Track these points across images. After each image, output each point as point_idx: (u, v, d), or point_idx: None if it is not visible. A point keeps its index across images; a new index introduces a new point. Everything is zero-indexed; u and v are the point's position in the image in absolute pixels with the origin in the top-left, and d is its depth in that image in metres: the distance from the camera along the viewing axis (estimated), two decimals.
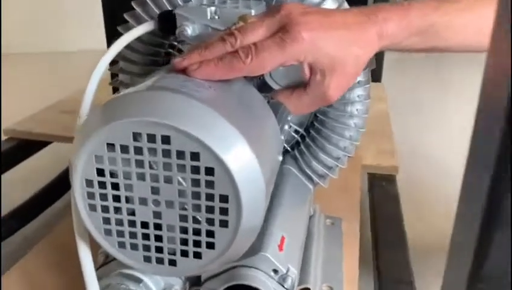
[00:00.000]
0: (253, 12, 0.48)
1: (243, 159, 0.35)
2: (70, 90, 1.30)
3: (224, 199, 0.35)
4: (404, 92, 1.73)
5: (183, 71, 0.40)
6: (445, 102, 1.82)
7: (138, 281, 0.44)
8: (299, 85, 0.44)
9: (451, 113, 1.72)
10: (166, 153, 0.35)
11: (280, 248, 0.48)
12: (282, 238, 0.49)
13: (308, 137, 0.63)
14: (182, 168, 0.35)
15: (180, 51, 0.61)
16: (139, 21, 0.58)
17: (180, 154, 0.35)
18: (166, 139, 0.34)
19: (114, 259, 0.48)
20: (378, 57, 1.48)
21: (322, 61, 0.41)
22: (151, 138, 0.34)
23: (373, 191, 0.80)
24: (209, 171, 0.35)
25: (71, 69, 2.15)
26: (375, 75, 1.38)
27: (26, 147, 1.02)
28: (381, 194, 0.78)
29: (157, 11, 0.56)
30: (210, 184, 0.35)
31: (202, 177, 0.35)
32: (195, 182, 0.35)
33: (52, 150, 1.12)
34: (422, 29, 0.44)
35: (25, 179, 1.07)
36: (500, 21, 0.18)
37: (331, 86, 0.42)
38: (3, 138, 1.00)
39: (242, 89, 0.42)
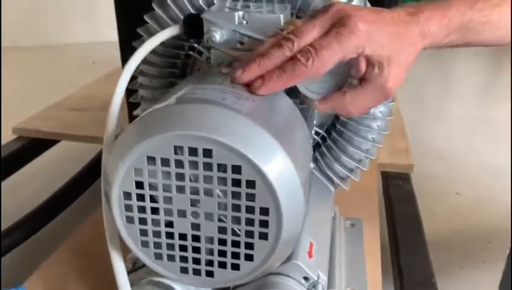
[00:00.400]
0: (282, 16, 0.47)
1: (283, 172, 0.35)
2: (72, 84, 1.29)
3: (264, 211, 0.35)
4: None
5: (247, 85, 0.39)
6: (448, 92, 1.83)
7: (169, 289, 0.44)
8: (342, 86, 0.44)
9: (453, 104, 1.73)
10: (208, 166, 0.34)
11: (309, 254, 0.48)
12: (311, 245, 0.49)
13: (329, 139, 0.63)
14: (222, 181, 0.35)
15: (200, 53, 0.61)
16: (159, 23, 0.57)
17: (221, 167, 0.34)
18: (208, 153, 0.34)
19: (142, 266, 0.48)
20: None
21: (379, 53, 0.41)
22: (193, 152, 0.34)
23: (389, 190, 0.80)
24: (251, 184, 0.34)
25: (71, 62, 2.13)
26: None
27: (34, 146, 1.02)
28: (398, 194, 0.78)
29: (179, 14, 0.55)
30: (251, 197, 0.35)
31: (243, 190, 0.35)
32: (236, 195, 0.35)
33: (59, 149, 1.12)
34: (460, 26, 0.44)
35: (36, 178, 1.06)
36: None
37: (390, 78, 0.42)
38: (13, 136, 0.99)
39: (277, 97, 0.42)
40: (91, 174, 0.89)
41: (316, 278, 0.46)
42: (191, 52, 0.61)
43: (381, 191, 0.85)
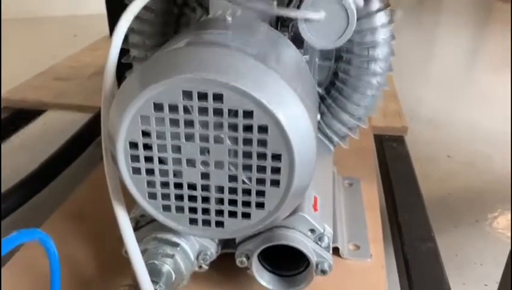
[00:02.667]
0: None
1: (296, 117, 0.34)
2: (55, 56, 1.25)
3: (277, 157, 0.34)
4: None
5: None
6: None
7: (175, 245, 0.44)
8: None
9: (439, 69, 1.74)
10: (218, 112, 0.33)
11: (315, 208, 0.48)
12: (315, 199, 0.49)
13: (328, 97, 0.62)
14: (233, 127, 0.34)
15: (194, 9, 0.59)
16: None
17: (232, 113, 0.33)
18: (218, 97, 0.33)
19: (145, 224, 0.47)
20: None
21: None
22: (203, 96, 0.33)
23: (384, 153, 0.81)
24: (263, 129, 0.33)
25: (52, 35, 2.07)
26: None
27: (20, 116, 0.99)
28: (393, 155, 0.78)
29: None
30: (263, 143, 0.34)
31: (255, 136, 0.34)
32: (247, 141, 0.34)
33: (45, 119, 1.09)
34: None
35: (25, 147, 1.04)
36: None
37: None
38: None
39: (285, 45, 0.41)
40: (81, 142, 0.87)
41: (322, 231, 0.46)
42: (185, 9, 0.59)
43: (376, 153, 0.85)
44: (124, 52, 0.62)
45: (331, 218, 0.51)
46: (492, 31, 2.42)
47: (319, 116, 0.44)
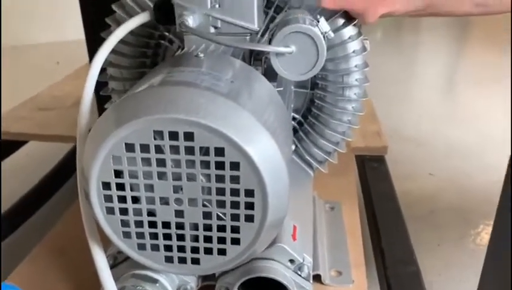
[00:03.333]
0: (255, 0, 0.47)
1: (267, 152, 0.34)
2: (37, 85, 1.25)
3: (250, 193, 0.35)
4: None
5: None
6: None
7: (154, 281, 0.43)
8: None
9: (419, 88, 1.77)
10: (189, 150, 0.34)
11: (294, 237, 0.48)
12: (294, 228, 0.49)
13: (306, 123, 0.63)
14: (205, 164, 0.34)
15: (171, 41, 0.60)
16: (127, 11, 0.56)
17: (204, 151, 0.34)
18: (189, 136, 0.33)
19: (123, 261, 0.46)
20: None
21: None
22: (174, 136, 0.33)
23: (365, 173, 0.81)
24: (235, 165, 0.34)
25: (35, 62, 2.07)
26: None
27: (3, 147, 0.98)
28: (374, 176, 0.79)
29: (147, 1, 0.54)
30: (235, 179, 0.34)
31: (227, 172, 0.34)
32: (220, 178, 0.34)
33: (28, 149, 1.08)
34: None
35: (6, 180, 1.02)
36: None
37: None
38: None
39: (256, 79, 0.41)
40: (63, 172, 0.86)
41: (301, 260, 0.46)
42: (162, 41, 0.60)
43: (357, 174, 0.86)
44: (104, 83, 0.62)
45: (310, 246, 0.51)
46: (470, 45, 2.47)
47: (293, 147, 0.45)
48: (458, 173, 1.11)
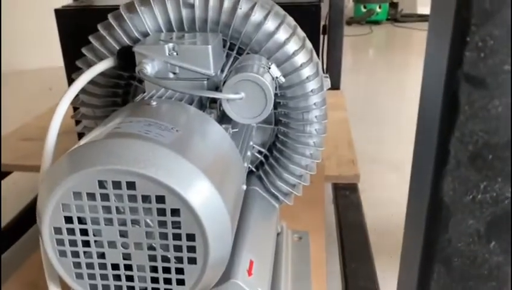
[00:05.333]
0: (210, 48, 0.50)
1: (207, 198, 0.37)
2: (29, 111, 1.28)
3: (191, 237, 0.37)
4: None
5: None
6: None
7: None
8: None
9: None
10: (132, 198, 0.36)
11: (249, 272, 0.50)
12: (251, 263, 0.51)
13: (271, 157, 0.65)
14: (148, 211, 0.36)
15: (140, 81, 0.62)
16: (97, 55, 0.59)
17: (146, 198, 0.36)
18: (131, 185, 0.35)
19: None
20: (336, 66, 1.51)
21: None
22: (117, 185, 0.35)
23: (337, 201, 0.83)
24: (175, 212, 0.36)
25: (27, 88, 2.11)
26: (334, 82, 1.43)
27: None
28: (345, 204, 0.81)
29: (115, 45, 0.57)
30: (176, 224, 0.37)
31: (168, 218, 0.36)
32: (162, 223, 0.37)
33: (12, 180, 1.10)
34: None
35: None
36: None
37: None
38: None
39: (204, 125, 0.44)
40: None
41: None
42: (132, 81, 0.63)
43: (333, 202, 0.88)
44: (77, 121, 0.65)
45: (267, 281, 0.53)
46: None
47: (244, 187, 0.47)
48: None
